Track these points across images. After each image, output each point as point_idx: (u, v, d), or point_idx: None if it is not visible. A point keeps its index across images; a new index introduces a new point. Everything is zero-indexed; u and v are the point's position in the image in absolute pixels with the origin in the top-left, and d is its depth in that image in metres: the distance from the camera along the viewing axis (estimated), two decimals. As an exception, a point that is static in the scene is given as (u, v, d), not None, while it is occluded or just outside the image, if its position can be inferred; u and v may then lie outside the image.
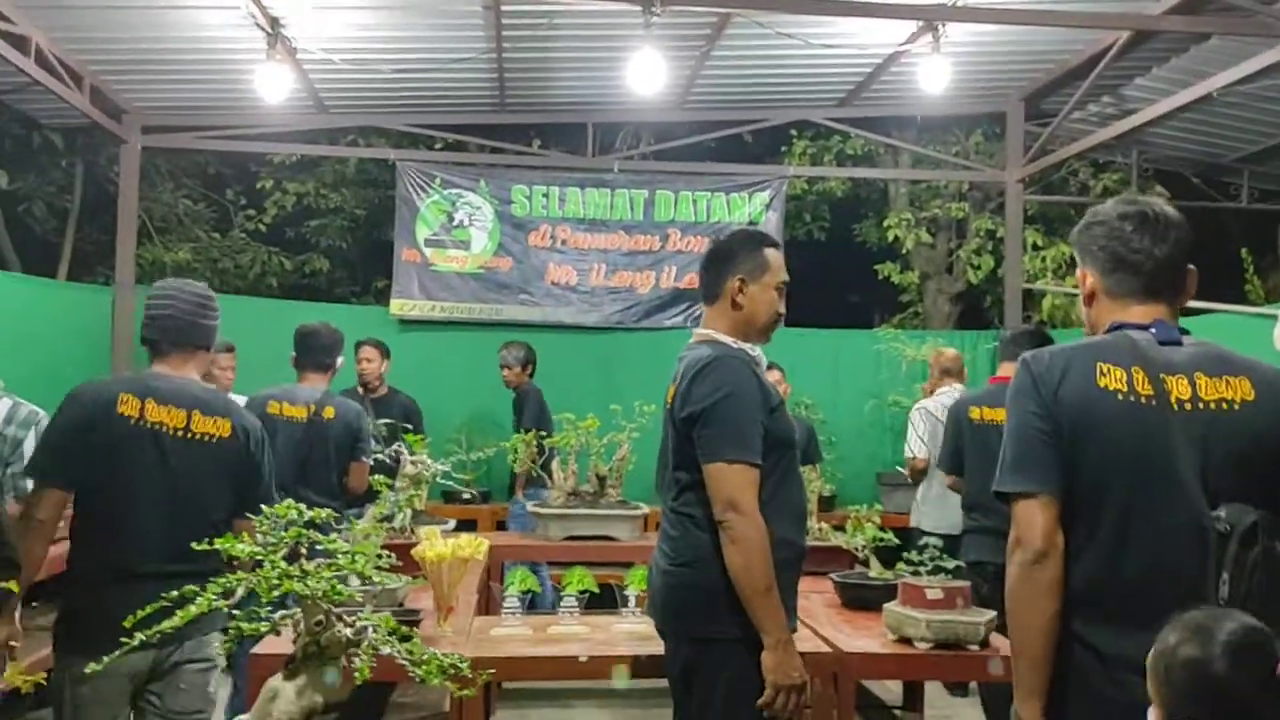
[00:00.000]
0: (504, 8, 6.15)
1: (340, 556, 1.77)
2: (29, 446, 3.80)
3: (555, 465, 5.75)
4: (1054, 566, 1.92)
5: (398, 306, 8.00)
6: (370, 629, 1.75)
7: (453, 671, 1.71)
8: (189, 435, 2.90)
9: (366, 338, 6.58)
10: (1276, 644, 1.59)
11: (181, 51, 6.67)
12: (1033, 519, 1.93)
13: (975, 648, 3.24)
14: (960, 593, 3.34)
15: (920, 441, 5.68)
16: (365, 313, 8.56)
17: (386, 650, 1.76)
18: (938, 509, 5.44)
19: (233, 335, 5.46)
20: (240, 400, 3.98)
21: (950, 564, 3.40)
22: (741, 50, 7.07)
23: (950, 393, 5.66)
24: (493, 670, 2.85)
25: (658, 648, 3.33)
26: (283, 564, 1.70)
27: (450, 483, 5.26)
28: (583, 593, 3.56)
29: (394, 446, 4.81)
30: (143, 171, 7.97)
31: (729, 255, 2.77)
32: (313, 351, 4.93)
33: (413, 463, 4.61)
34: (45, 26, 6.10)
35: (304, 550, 1.77)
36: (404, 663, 1.75)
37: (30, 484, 2.98)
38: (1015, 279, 8.24)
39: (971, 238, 9.14)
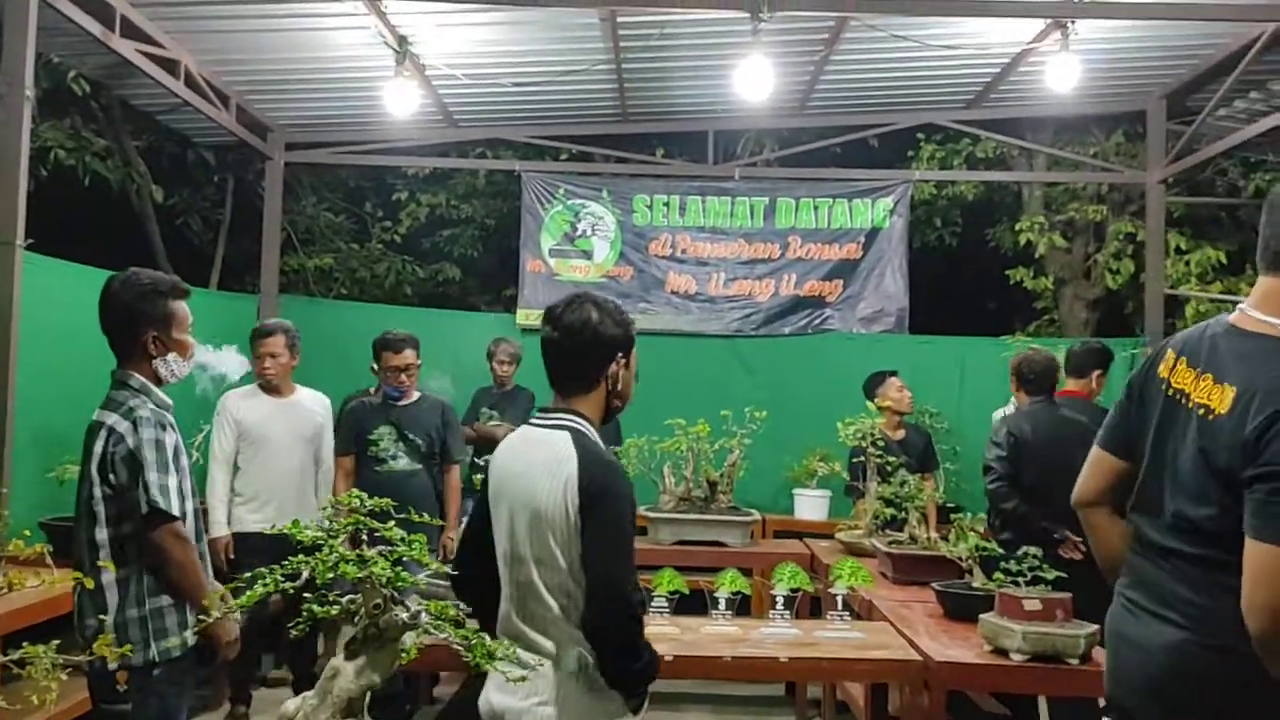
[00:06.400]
0: (619, 19, 6.25)
1: (397, 544, 1.84)
2: None
3: (667, 470, 5.79)
4: None
5: (523, 316, 8.19)
6: (424, 614, 1.82)
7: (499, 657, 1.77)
8: None
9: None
10: None
11: (319, 70, 7.00)
12: None
13: (1075, 661, 3.13)
14: (1061, 605, 3.23)
15: None
16: (494, 320, 8.77)
17: (440, 634, 1.83)
18: None
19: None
20: None
21: (1050, 575, 3.29)
22: (862, 53, 7.00)
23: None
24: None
25: (746, 650, 3.35)
26: (341, 550, 1.79)
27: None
28: (673, 594, 3.58)
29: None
30: (287, 185, 8.38)
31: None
32: None
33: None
34: (194, 49, 6.48)
35: (364, 537, 1.86)
36: (457, 647, 1.82)
37: None
38: (1157, 284, 7.88)
39: (1110, 241, 8.78)
